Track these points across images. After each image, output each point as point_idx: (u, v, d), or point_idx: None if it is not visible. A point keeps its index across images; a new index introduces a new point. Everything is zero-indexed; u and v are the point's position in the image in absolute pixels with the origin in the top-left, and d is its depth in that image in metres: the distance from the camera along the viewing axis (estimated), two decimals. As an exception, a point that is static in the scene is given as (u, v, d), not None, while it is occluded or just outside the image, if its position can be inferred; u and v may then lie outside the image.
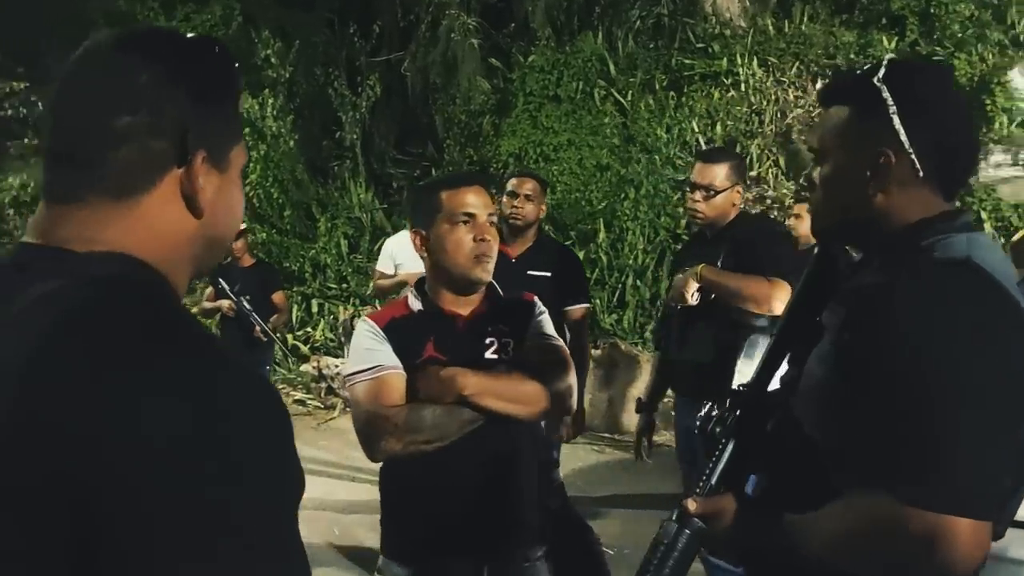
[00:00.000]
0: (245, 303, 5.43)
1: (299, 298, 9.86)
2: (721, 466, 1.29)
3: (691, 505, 1.26)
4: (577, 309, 3.68)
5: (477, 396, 1.87)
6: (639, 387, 7.01)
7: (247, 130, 10.48)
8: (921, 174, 1.22)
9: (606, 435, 6.72)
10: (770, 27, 10.08)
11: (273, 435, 0.75)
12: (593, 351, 6.96)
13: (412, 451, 1.87)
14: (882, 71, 1.25)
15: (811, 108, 9.45)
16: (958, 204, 1.31)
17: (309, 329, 9.54)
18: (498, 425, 1.90)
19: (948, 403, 1.07)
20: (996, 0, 9.12)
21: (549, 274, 3.56)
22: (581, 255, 8.79)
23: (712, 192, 3.03)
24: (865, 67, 1.30)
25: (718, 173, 3.05)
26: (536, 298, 2.16)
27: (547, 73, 10.20)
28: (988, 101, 8.22)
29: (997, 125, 8.26)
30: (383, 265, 5.14)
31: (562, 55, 10.31)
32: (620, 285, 8.57)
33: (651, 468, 6.09)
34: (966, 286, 1.13)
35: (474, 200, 1.98)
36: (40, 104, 11.72)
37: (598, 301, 8.49)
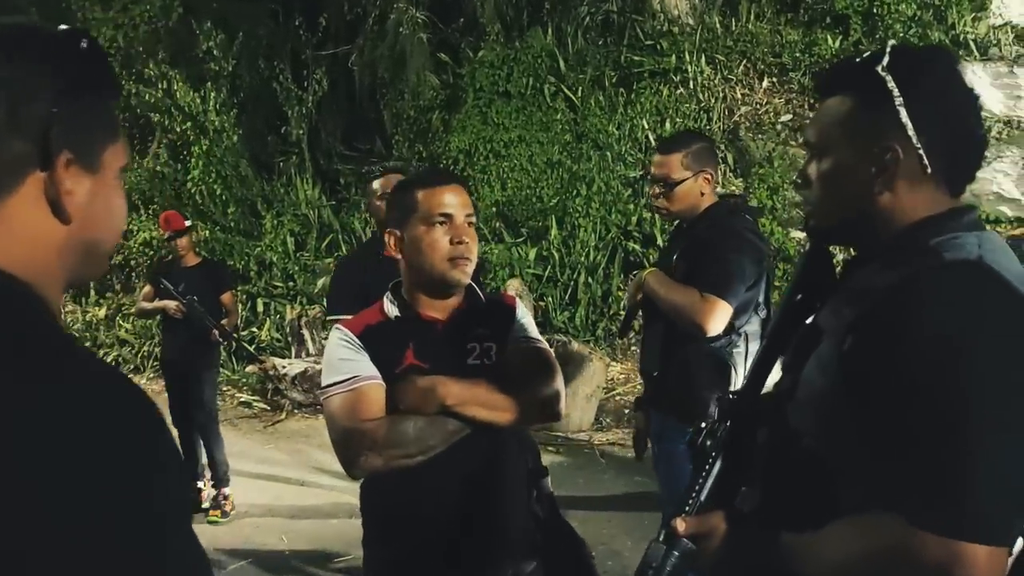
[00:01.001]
0: (196, 304, 5.22)
1: (244, 297, 9.63)
2: (711, 482, 1.22)
3: (679, 525, 1.18)
4: None
5: (460, 406, 1.78)
6: (591, 385, 6.98)
7: (188, 124, 10.21)
8: (929, 170, 1.15)
9: (560, 434, 6.65)
10: (717, 25, 10.17)
11: (147, 448, 0.73)
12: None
13: (394, 466, 1.77)
14: (886, 59, 1.17)
15: (758, 106, 9.55)
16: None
17: (255, 329, 9.33)
18: (483, 435, 1.81)
19: (967, 418, 1.00)
20: (938, 1, 9.30)
21: None
22: (533, 252, 8.77)
23: (669, 184, 2.80)
24: (865, 54, 1.22)
25: (672, 163, 2.80)
26: (518, 299, 2.07)
27: (497, 69, 10.13)
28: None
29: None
30: None
31: (512, 51, 10.25)
32: (572, 282, 8.54)
33: (605, 468, 6.10)
34: (981, 291, 1.06)
35: (451, 200, 1.88)
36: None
37: (550, 299, 8.46)
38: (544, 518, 1.94)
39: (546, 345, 2.00)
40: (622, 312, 7.64)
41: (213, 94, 10.38)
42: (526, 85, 10.02)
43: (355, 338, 1.88)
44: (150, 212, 10.16)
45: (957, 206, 1.19)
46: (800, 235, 7.88)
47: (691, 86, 9.64)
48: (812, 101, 9.11)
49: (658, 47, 10.12)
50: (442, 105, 10.54)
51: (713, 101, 9.58)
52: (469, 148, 9.78)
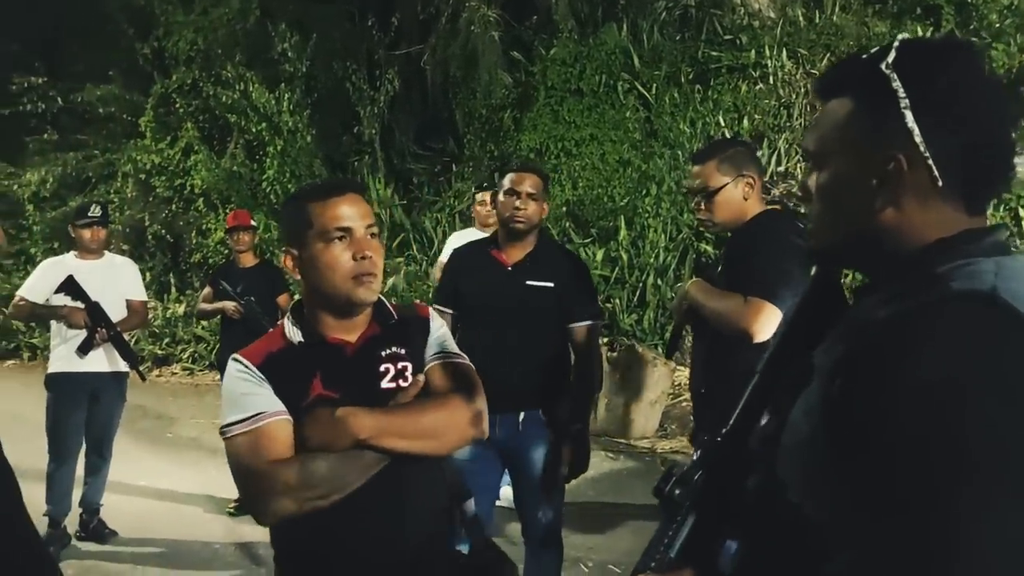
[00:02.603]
0: (254, 304, 5.25)
1: (315, 295, 9.71)
2: (683, 536, 1.07)
3: None
4: (581, 327, 3.17)
5: (376, 438, 1.64)
6: (656, 391, 6.77)
7: (263, 125, 10.37)
8: (940, 184, 0.98)
9: (621, 441, 6.48)
10: (800, 18, 9.77)
11: None
12: (609, 353, 6.73)
13: (309, 509, 1.63)
14: (892, 55, 1.00)
15: (842, 101, 9.15)
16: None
17: (324, 327, 9.40)
18: (397, 465, 1.67)
19: (964, 482, 0.82)
20: (1037, -12, 8.73)
21: (551, 284, 3.12)
22: (600, 253, 8.57)
23: (708, 193, 2.67)
24: (873, 50, 1.04)
25: (707, 172, 2.68)
26: (431, 311, 1.92)
27: (569, 66, 9.96)
28: (1028, 93, 7.86)
29: (1037, 119, 7.90)
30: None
31: (585, 48, 10.07)
32: (641, 284, 8.32)
33: (667, 477, 5.91)
34: (990, 328, 0.88)
35: (349, 212, 1.73)
36: (59, 99, 11.71)
37: (618, 301, 8.26)
38: (470, 552, 1.82)
39: (465, 360, 1.85)
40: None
41: (287, 95, 10.52)
42: (599, 83, 9.83)
43: (255, 369, 1.71)
44: (227, 211, 10.37)
45: (975, 227, 1.00)
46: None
47: (771, 81, 9.28)
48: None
49: (737, 42, 9.78)
50: (514, 103, 10.43)
51: (794, 97, 9.20)
52: (540, 146, 9.66)
